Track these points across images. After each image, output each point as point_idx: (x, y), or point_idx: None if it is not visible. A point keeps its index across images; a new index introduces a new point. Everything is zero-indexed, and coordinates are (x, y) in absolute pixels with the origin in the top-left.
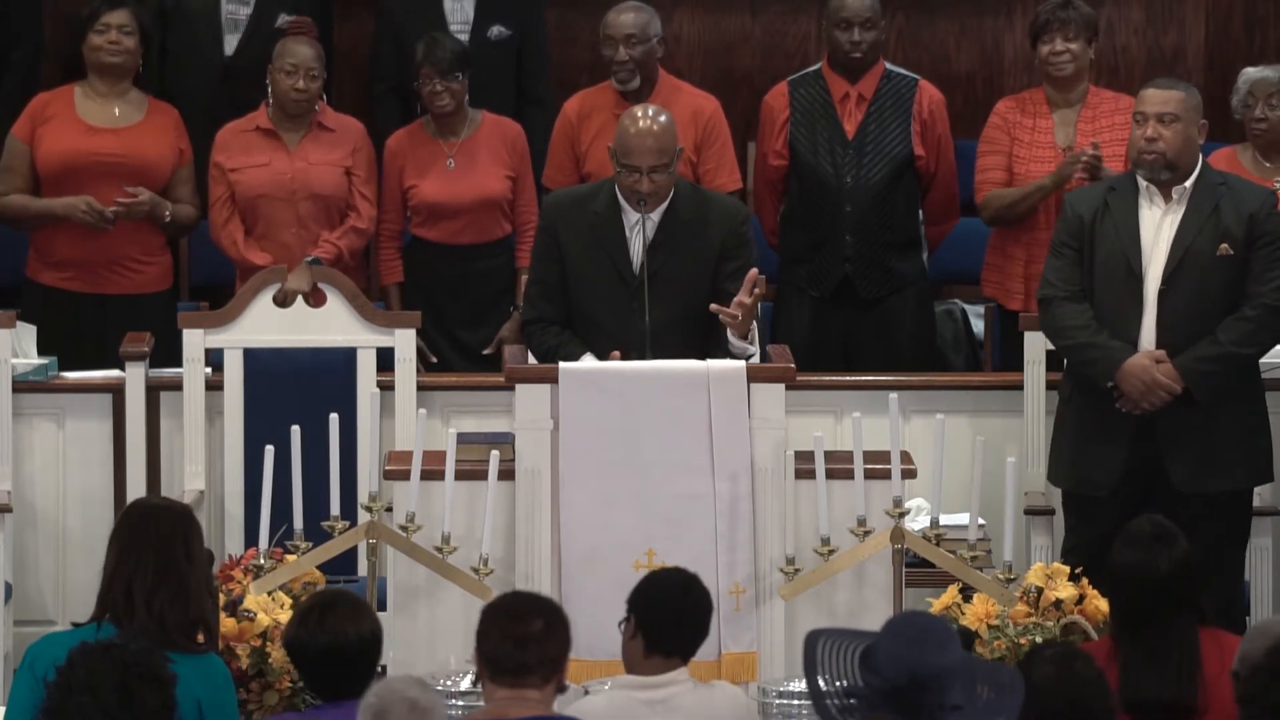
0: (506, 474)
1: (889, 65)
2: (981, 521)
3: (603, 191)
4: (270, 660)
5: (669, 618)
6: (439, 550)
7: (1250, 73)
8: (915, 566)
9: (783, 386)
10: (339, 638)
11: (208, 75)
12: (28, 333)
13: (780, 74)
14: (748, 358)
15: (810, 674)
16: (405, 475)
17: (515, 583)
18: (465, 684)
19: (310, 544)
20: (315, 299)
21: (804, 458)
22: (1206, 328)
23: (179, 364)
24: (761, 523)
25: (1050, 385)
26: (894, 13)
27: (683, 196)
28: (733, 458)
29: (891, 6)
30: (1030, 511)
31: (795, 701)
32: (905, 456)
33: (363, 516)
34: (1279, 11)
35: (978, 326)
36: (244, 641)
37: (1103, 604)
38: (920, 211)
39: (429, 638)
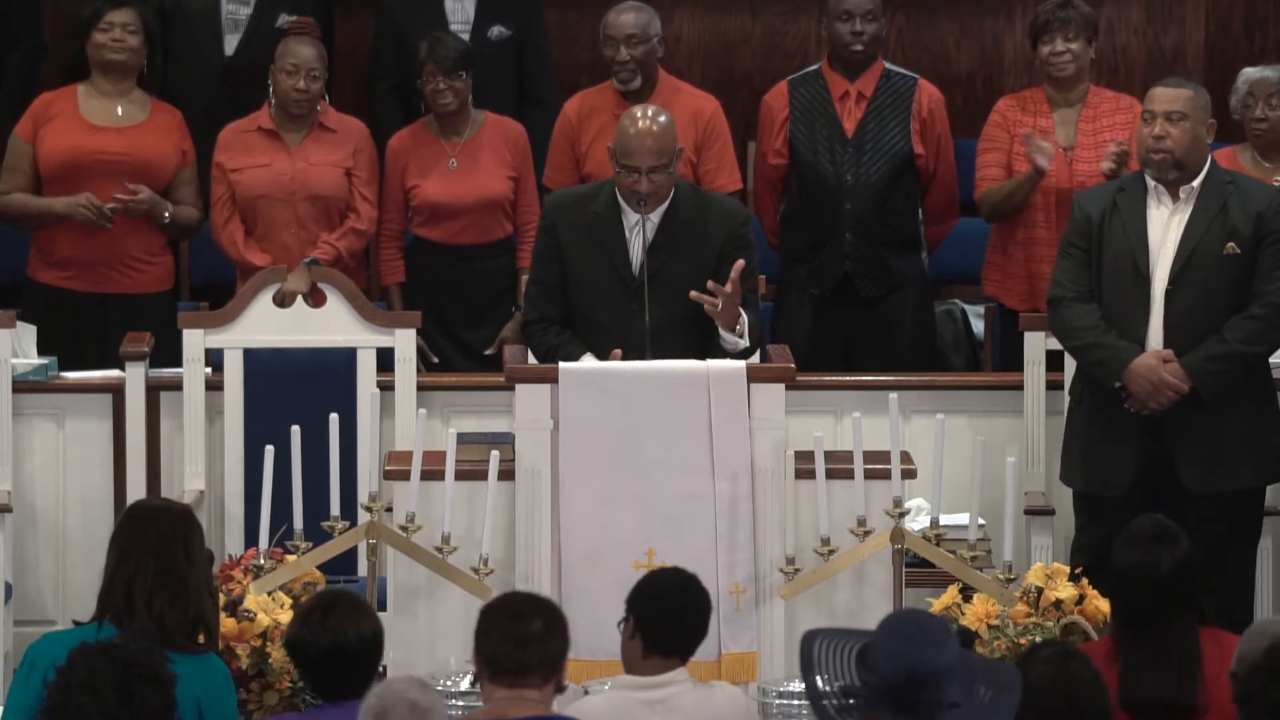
0: (506, 474)
1: (888, 65)
2: (981, 521)
3: (603, 192)
4: (270, 660)
5: (667, 618)
6: (439, 550)
7: (1249, 73)
8: (915, 566)
9: (783, 386)
10: (340, 638)
11: (208, 75)
12: (28, 333)
13: (780, 74)
14: (739, 351)
15: (807, 674)
16: (405, 475)
17: (515, 583)
18: (465, 684)
19: (310, 544)
20: (315, 299)
21: (804, 458)
22: (1214, 327)
23: (179, 364)
24: (761, 523)
25: (1050, 385)
26: (894, 12)
27: (683, 197)
28: (733, 458)
29: (891, 6)
30: (1030, 511)
31: (795, 702)
32: (905, 456)
33: (363, 516)
34: (1279, 11)
35: (978, 326)
36: (244, 641)
37: (1103, 604)
38: (920, 211)
39: (429, 638)
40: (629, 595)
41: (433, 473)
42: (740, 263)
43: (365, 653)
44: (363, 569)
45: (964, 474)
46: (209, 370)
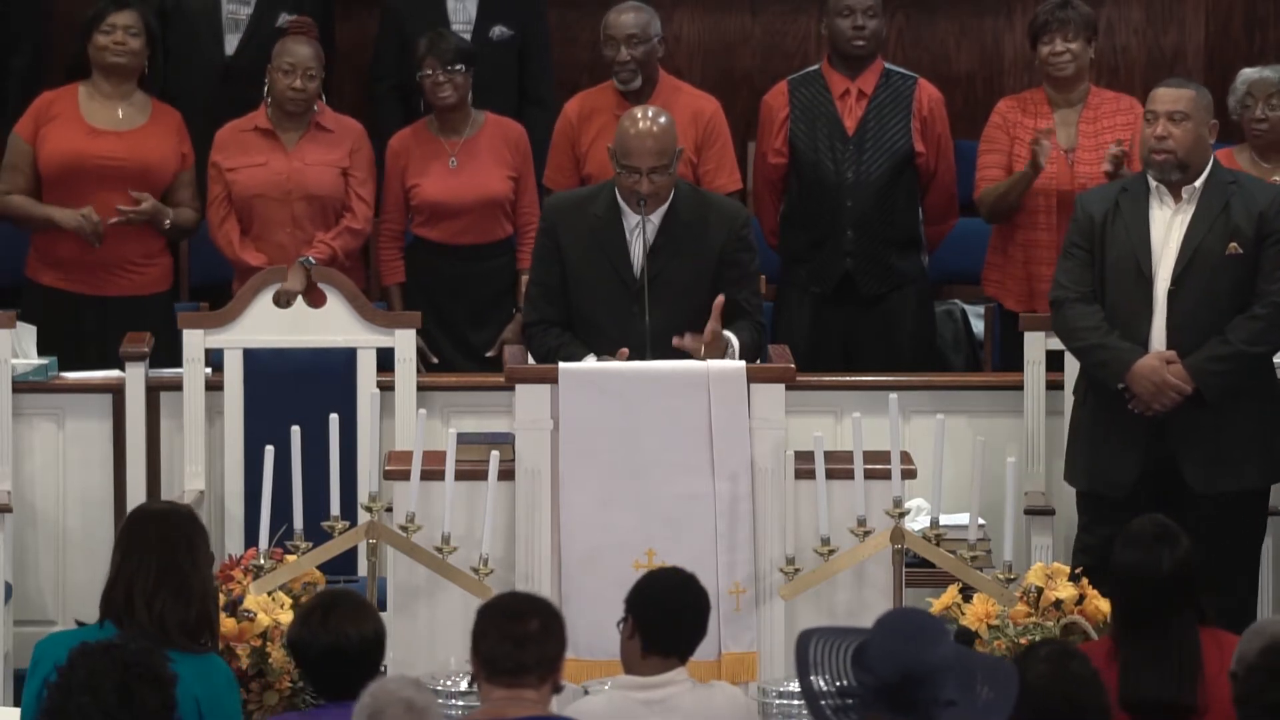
0: (506, 474)
1: (888, 64)
2: (981, 521)
3: (603, 194)
4: (270, 660)
5: (666, 617)
6: (439, 550)
7: (1248, 73)
8: (915, 566)
9: (783, 386)
10: (341, 638)
11: (208, 75)
12: (28, 333)
13: (780, 74)
14: None
15: (804, 675)
16: (405, 475)
17: (515, 583)
18: (465, 684)
19: (310, 544)
20: (315, 299)
21: (804, 458)
22: (1217, 327)
23: (179, 364)
24: (761, 523)
25: (1050, 385)
26: (894, 12)
27: (683, 198)
28: (733, 458)
29: (891, 6)
30: (1030, 511)
31: (795, 702)
32: (905, 456)
33: (363, 517)
34: (1279, 11)
35: (978, 326)
36: (244, 641)
37: (1103, 604)
38: (920, 210)
39: (429, 638)
40: (628, 595)
41: (433, 473)
42: (720, 299)
43: (366, 653)
44: (363, 569)
45: (964, 474)
46: (209, 370)
